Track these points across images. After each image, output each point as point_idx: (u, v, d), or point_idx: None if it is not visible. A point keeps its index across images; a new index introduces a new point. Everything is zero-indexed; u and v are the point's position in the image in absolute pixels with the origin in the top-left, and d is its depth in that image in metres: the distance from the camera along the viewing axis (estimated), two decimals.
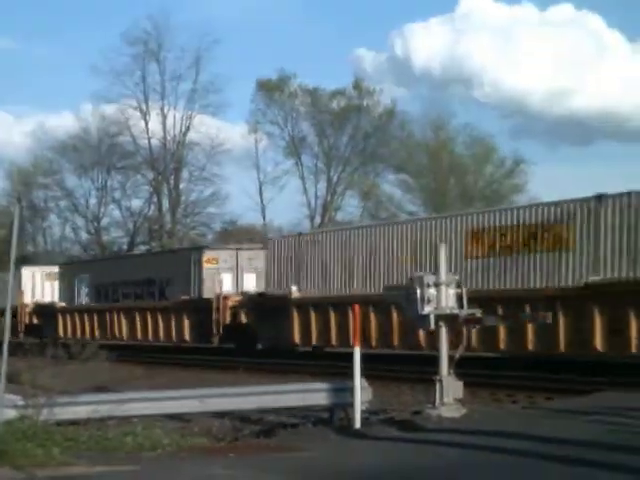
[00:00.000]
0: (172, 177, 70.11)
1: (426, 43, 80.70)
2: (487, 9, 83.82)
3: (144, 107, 68.66)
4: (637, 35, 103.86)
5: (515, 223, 22.99)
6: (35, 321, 44.14)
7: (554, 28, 79.10)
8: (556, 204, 22.38)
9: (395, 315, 24.02)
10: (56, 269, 46.17)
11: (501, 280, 22.99)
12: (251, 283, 34.44)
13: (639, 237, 20.35)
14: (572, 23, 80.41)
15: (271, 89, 70.47)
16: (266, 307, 30.00)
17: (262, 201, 70.55)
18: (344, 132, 70.33)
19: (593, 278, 20.97)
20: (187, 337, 34.14)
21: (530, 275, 22.43)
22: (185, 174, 70.68)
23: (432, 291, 13.62)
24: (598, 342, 20.41)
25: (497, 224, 23.40)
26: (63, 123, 76.31)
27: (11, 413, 12.50)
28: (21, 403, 12.83)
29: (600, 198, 21.13)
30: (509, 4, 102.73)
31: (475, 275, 23.08)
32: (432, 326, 13.65)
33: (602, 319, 20.42)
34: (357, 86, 70.77)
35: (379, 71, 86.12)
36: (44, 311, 43.65)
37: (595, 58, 79.49)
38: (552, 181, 71.19)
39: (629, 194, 20.76)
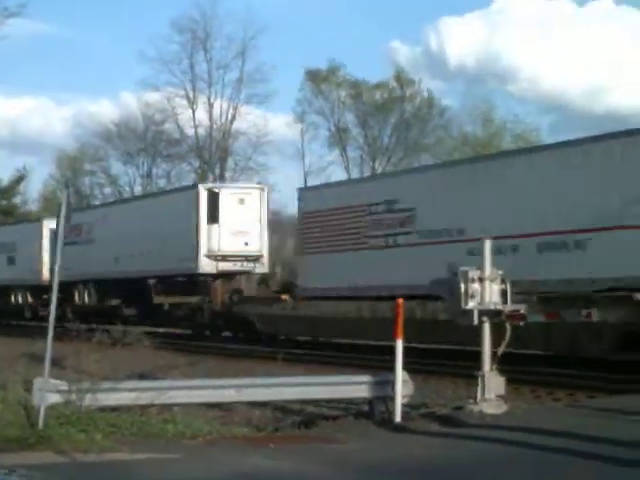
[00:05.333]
0: (218, 166, 70.20)
1: (461, 37, 79.84)
2: (524, 3, 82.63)
3: (191, 96, 68.87)
4: None
5: None
6: None
7: (592, 23, 78.03)
8: None
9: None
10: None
11: None
12: None
13: None
14: (610, 18, 78.86)
15: (320, 80, 70.44)
16: None
17: None
18: (387, 123, 70.28)
19: None
20: None
21: None
22: (231, 163, 70.75)
23: (476, 286, 13.57)
24: None
25: None
26: (101, 110, 76.72)
27: (55, 398, 12.61)
28: (65, 388, 12.93)
29: None
30: None
31: None
32: (475, 321, 13.59)
33: None
34: (398, 78, 70.73)
35: (414, 64, 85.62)
36: None
37: (634, 54, 77.98)
38: None
39: None
